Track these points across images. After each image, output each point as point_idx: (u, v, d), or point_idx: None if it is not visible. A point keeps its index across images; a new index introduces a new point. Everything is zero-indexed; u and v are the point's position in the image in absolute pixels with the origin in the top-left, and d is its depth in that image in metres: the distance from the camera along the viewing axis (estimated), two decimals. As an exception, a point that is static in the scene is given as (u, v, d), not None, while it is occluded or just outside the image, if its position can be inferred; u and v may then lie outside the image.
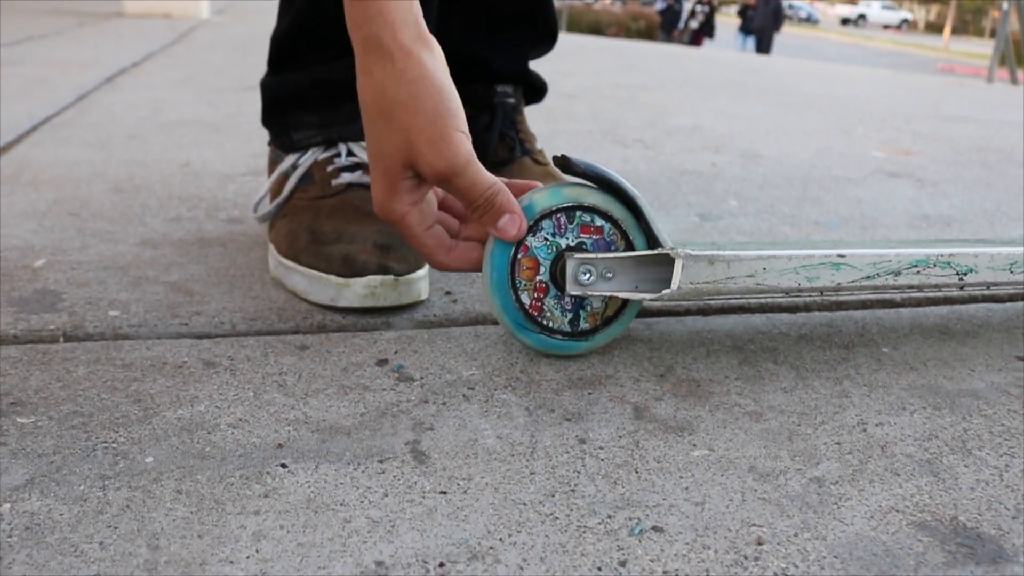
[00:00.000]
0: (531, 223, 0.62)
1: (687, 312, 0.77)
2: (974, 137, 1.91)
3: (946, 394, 0.64)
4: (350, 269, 0.70)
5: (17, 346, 0.64)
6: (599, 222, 0.64)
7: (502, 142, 0.98)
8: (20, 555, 0.42)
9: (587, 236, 0.63)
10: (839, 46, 21.05)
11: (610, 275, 0.63)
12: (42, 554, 0.42)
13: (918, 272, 0.67)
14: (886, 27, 40.17)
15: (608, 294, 0.63)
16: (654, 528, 0.46)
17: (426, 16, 0.79)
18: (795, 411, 0.60)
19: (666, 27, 10.85)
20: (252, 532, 0.44)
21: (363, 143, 0.82)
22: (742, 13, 10.88)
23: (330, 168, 0.80)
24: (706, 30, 10.31)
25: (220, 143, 1.38)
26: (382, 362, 0.64)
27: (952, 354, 0.71)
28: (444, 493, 0.48)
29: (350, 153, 0.82)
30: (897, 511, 0.49)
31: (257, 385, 0.59)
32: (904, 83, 3.26)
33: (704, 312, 0.77)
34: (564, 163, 0.63)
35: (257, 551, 0.43)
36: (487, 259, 0.62)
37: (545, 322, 0.64)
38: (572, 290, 0.62)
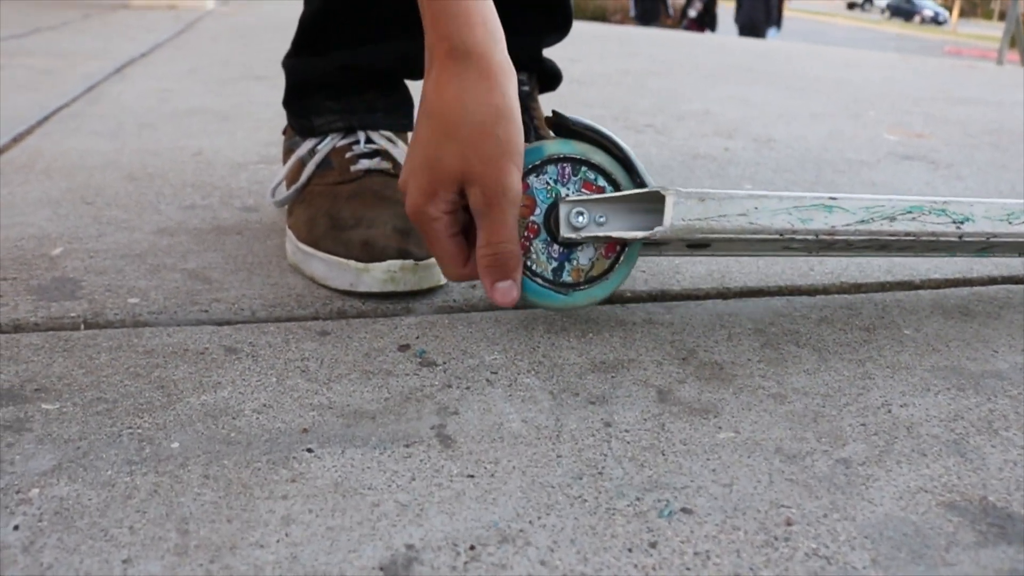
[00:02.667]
0: (537, 163, 0.63)
1: (707, 296, 0.76)
2: (986, 119, 1.90)
3: (970, 375, 0.63)
4: (369, 254, 0.70)
5: (39, 333, 0.64)
6: (602, 182, 0.64)
7: None
8: (51, 539, 0.42)
9: (588, 192, 0.64)
10: (846, 30, 20.95)
11: (603, 220, 0.63)
12: (73, 538, 0.42)
13: (913, 218, 0.66)
14: (883, 11, 39.92)
15: (602, 234, 0.63)
16: (683, 510, 0.46)
17: None
18: (819, 393, 0.60)
19: (645, 16, 9.18)
20: (281, 516, 0.44)
21: (382, 131, 0.83)
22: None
23: (349, 155, 0.80)
24: (706, 20, 8.94)
25: (231, 131, 1.38)
26: (404, 347, 0.63)
27: (975, 335, 0.70)
28: (472, 477, 0.48)
29: (369, 140, 0.82)
30: (926, 491, 0.49)
31: (280, 371, 0.59)
32: (913, 66, 3.24)
33: (724, 295, 0.77)
34: (557, 119, 0.64)
35: (287, 535, 0.43)
36: None
37: (529, 263, 0.63)
38: (566, 232, 0.62)
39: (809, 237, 0.64)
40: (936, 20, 31.94)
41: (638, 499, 0.47)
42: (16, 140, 1.27)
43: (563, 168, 0.63)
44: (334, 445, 0.51)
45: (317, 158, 0.80)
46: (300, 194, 0.81)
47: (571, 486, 0.48)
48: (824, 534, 0.45)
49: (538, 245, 0.64)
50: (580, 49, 2.96)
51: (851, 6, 40.00)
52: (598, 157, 0.64)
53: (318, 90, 0.83)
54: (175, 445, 0.50)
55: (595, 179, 0.64)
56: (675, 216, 0.61)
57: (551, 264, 0.64)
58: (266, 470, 0.48)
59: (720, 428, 0.54)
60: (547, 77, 1.04)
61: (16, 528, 0.42)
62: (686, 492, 0.48)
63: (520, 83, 0.99)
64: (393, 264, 0.69)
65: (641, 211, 0.64)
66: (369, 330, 0.66)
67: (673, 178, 1.21)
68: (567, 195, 0.63)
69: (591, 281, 0.65)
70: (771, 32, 8.37)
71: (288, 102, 0.87)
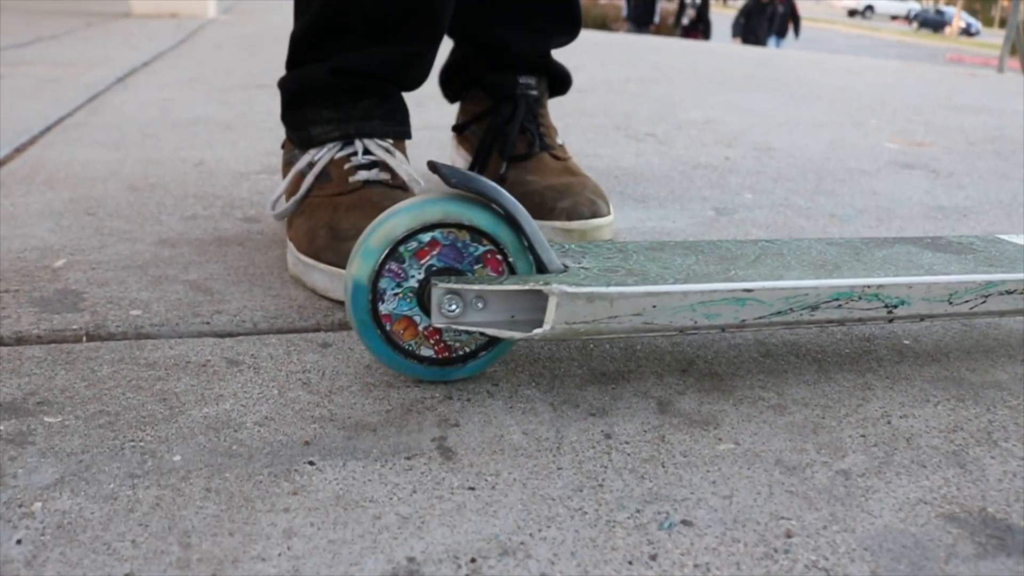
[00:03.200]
0: (370, 296, 0.56)
1: (707, 306, 0.76)
2: (987, 127, 1.90)
3: (969, 385, 0.64)
4: (340, 258, 0.71)
5: (41, 346, 0.64)
6: (427, 237, 0.57)
7: (522, 136, 0.97)
8: (54, 553, 0.42)
9: (427, 258, 0.57)
10: (847, 37, 20.97)
11: (480, 305, 0.56)
12: (75, 552, 0.42)
13: (839, 306, 0.60)
14: (894, 18, 39.98)
15: (475, 329, 0.56)
16: (683, 522, 0.46)
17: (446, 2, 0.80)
18: (819, 404, 0.60)
19: (639, 19, 8.83)
20: (283, 529, 0.44)
21: (379, 140, 0.83)
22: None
23: (347, 166, 0.81)
24: (700, 27, 8.66)
25: (233, 141, 1.38)
26: (405, 359, 0.64)
27: (974, 345, 0.71)
28: (472, 489, 0.48)
29: (367, 151, 0.82)
30: (925, 503, 0.49)
31: (281, 383, 0.59)
32: (914, 74, 3.24)
33: (724, 306, 0.77)
34: (433, 169, 0.56)
35: (288, 548, 0.43)
36: (367, 345, 0.58)
37: (463, 352, 0.59)
38: (437, 321, 0.56)
39: (713, 331, 0.59)
40: (968, 32, 31.06)
41: (638, 511, 0.47)
42: (19, 151, 1.27)
43: (390, 270, 0.57)
44: (336, 457, 0.51)
45: (316, 169, 0.81)
46: (299, 206, 0.81)
47: (571, 498, 0.48)
48: (824, 546, 0.45)
49: (449, 335, 0.58)
50: (581, 57, 2.96)
51: (852, 13, 40.05)
52: (401, 227, 0.56)
53: (313, 98, 0.83)
54: (177, 458, 0.50)
55: (419, 242, 0.57)
56: (558, 318, 0.53)
57: (475, 334, 0.58)
58: (268, 483, 0.48)
59: (720, 440, 0.54)
60: (557, 81, 1.04)
61: (19, 542, 0.43)
62: (686, 504, 0.48)
63: (529, 87, 0.99)
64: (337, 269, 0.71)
65: (524, 299, 0.57)
66: (370, 341, 0.66)
67: (674, 188, 1.21)
68: (417, 279, 0.57)
69: (458, 360, 0.59)
70: (772, 41, 8.30)
71: (285, 115, 0.88)
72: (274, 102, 1.75)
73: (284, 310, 0.71)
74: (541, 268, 0.58)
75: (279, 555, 0.42)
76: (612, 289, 0.54)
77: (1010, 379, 0.65)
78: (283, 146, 0.91)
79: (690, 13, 8.70)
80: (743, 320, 0.58)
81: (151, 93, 1.85)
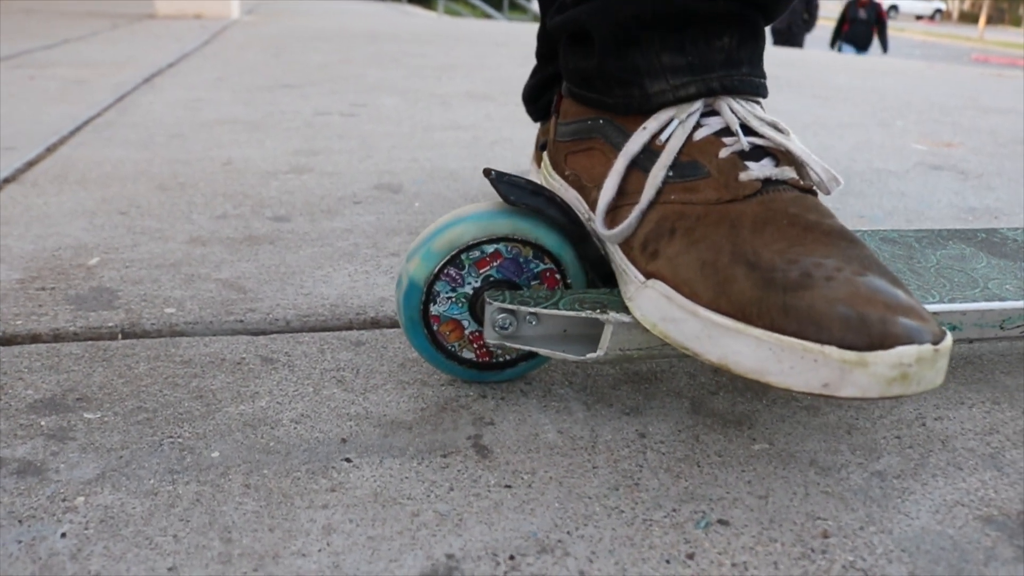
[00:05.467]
0: (423, 297, 0.56)
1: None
2: (1016, 128, 1.88)
3: (1004, 388, 0.63)
4: (860, 336, 0.42)
5: (78, 343, 0.65)
6: (490, 248, 0.56)
7: None
8: (98, 547, 0.43)
9: (487, 268, 0.57)
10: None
11: (534, 322, 0.55)
12: (119, 546, 0.43)
13: None
14: (919, 17, 39.69)
15: (527, 349, 0.54)
16: (720, 521, 0.46)
17: None
18: (852, 405, 0.59)
19: None
20: (322, 525, 0.45)
21: (748, 102, 0.56)
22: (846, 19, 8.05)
23: (726, 152, 0.53)
24: None
25: (260, 141, 1.39)
26: (437, 357, 0.64)
27: (1008, 347, 0.70)
28: (509, 487, 0.48)
29: (747, 128, 0.54)
30: (962, 505, 0.49)
31: (316, 381, 0.60)
32: (940, 74, 3.22)
33: (754, 306, 0.77)
34: (492, 181, 0.55)
35: (328, 544, 0.43)
36: (411, 342, 0.58)
37: (503, 359, 0.59)
38: (490, 337, 0.55)
39: None
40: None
41: (674, 510, 0.47)
42: (50, 150, 1.29)
43: (448, 275, 0.56)
44: (372, 455, 0.51)
45: (668, 156, 0.54)
46: (646, 218, 0.54)
47: (608, 497, 0.48)
48: (861, 547, 0.45)
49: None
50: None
51: (874, 13, 39.65)
52: (464, 238, 0.56)
53: (646, 33, 0.56)
54: (215, 454, 0.51)
55: (481, 253, 0.57)
56: (612, 345, 0.52)
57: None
58: (306, 479, 0.49)
59: (754, 440, 0.54)
60: None
61: (64, 536, 0.43)
62: (722, 504, 0.48)
63: None
64: (906, 353, 0.42)
65: (578, 318, 0.55)
66: (403, 340, 0.67)
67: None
68: (473, 288, 0.57)
69: (497, 366, 0.60)
70: (849, 50, 7.64)
71: (574, 61, 0.61)
72: (301, 102, 1.77)
73: (316, 308, 0.72)
74: (593, 282, 0.59)
75: (319, 551, 0.43)
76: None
77: (1045, 381, 0.64)
78: (555, 109, 0.67)
79: None
80: None
81: (178, 93, 1.86)
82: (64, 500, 0.46)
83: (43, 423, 0.53)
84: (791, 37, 7.26)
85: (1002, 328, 0.61)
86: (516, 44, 3.52)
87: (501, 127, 1.59)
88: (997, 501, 0.49)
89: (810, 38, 7.33)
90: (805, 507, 0.48)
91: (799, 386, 0.43)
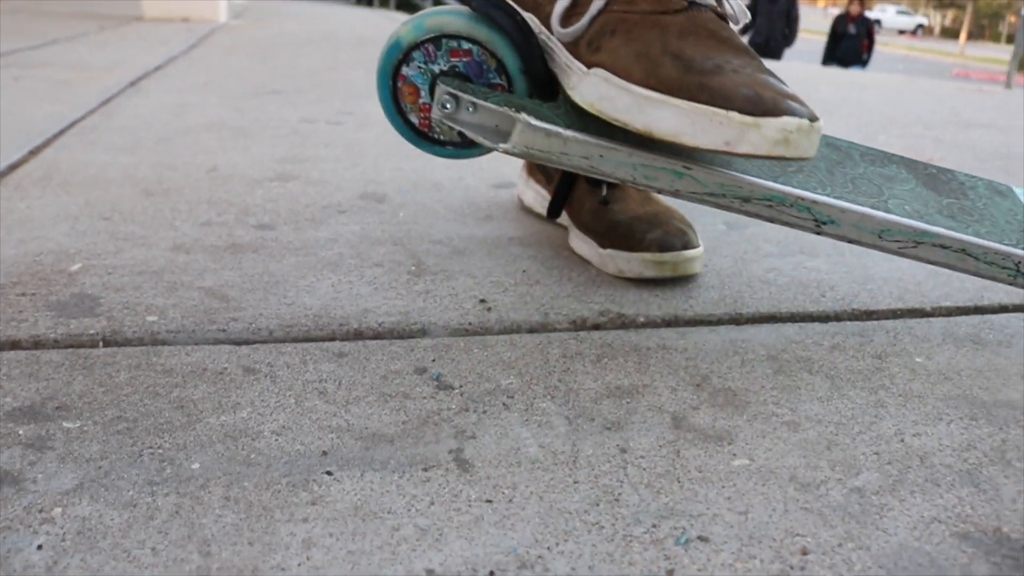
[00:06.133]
0: (401, 56, 0.70)
1: (720, 321, 0.77)
2: (996, 143, 1.90)
3: (982, 404, 0.64)
4: (756, 107, 0.57)
5: (58, 350, 0.64)
6: (466, 46, 0.71)
7: None
8: (75, 559, 0.42)
9: (457, 60, 0.71)
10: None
11: (471, 109, 0.67)
12: (96, 559, 0.42)
13: (770, 207, 0.66)
14: (901, 32, 40.02)
15: (458, 128, 0.68)
16: (699, 537, 0.46)
17: None
18: (832, 421, 0.60)
19: None
20: (302, 539, 0.45)
21: None
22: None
23: None
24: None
25: (246, 147, 1.39)
26: (420, 370, 0.64)
27: (986, 364, 0.71)
28: (490, 502, 0.48)
29: None
30: (940, 522, 0.49)
31: (298, 392, 0.60)
32: (922, 89, 3.25)
33: (737, 321, 0.77)
34: None
35: (308, 558, 0.43)
36: (377, 91, 0.72)
37: (436, 136, 0.74)
38: (435, 113, 0.69)
39: (644, 187, 0.67)
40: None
41: (654, 526, 0.47)
42: (33, 153, 1.28)
43: (426, 49, 0.70)
44: (353, 468, 0.51)
45: None
46: (596, 21, 0.68)
47: (588, 512, 0.48)
48: (840, 563, 0.45)
49: (437, 119, 0.73)
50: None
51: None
52: (453, 26, 0.70)
53: None
54: (196, 466, 0.51)
55: (459, 45, 0.70)
56: (519, 141, 0.64)
57: (454, 130, 0.73)
58: (286, 492, 0.48)
59: (735, 455, 0.55)
60: None
61: (40, 548, 0.43)
62: (702, 520, 0.48)
63: None
64: (789, 122, 0.57)
65: (503, 117, 0.67)
66: (386, 352, 0.67)
67: (683, 203, 1.21)
68: (440, 70, 0.71)
69: (431, 140, 0.75)
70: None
71: None
72: (288, 109, 1.76)
73: (299, 318, 0.71)
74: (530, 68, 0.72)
75: (299, 565, 0.43)
76: (568, 132, 0.64)
77: (1022, 398, 0.65)
78: None
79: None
80: (677, 190, 0.65)
81: (164, 97, 1.86)
82: (41, 511, 0.46)
83: (21, 432, 0.53)
84: (770, 52, 7.15)
85: (880, 237, 0.68)
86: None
87: (487, 136, 1.59)
88: (974, 517, 0.50)
89: (790, 52, 7.28)
90: (784, 523, 0.48)
91: (706, 144, 0.58)
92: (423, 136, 0.74)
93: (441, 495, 0.49)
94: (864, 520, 0.49)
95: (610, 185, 0.93)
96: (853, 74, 3.87)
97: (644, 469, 0.52)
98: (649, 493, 0.50)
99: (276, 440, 0.54)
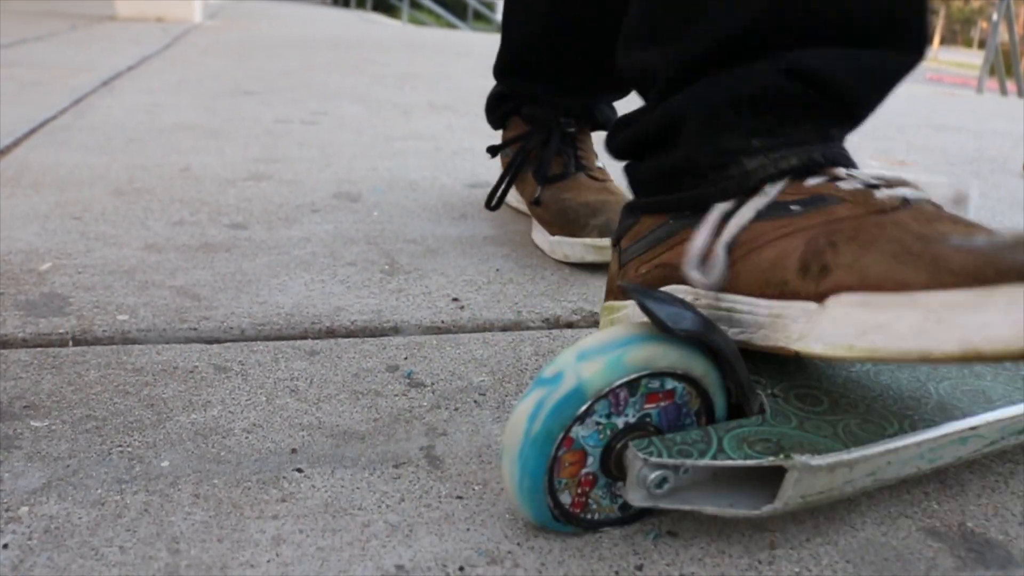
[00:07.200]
0: (581, 412, 0.44)
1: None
2: (967, 147, 1.92)
3: (949, 402, 0.64)
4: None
5: (27, 350, 0.64)
6: (671, 384, 0.47)
7: (558, 157, 0.98)
8: (41, 558, 0.42)
9: (653, 406, 0.46)
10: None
11: (686, 473, 0.45)
12: (63, 557, 0.42)
13: None
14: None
15: (686, 508, 0.45)
16: (669, 533, 0.47)
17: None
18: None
19: None
20: (271, 536, 0.44)
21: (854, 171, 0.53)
22: None
23: (847, 186, 0.50)
24: None
25: (219, 148, 1.38)
26: (392, 368, 0.64)
27: (954, 362, 0.71)
28: (460, 498, 0.48)
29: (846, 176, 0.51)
30: (906, 517, 0.50)
31: (269, 390, 0.60)
32: (894, 92, 3.28)
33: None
34: (641, 306, 0.45)
35: (277, 555, 0.43)
36: (514, 457, 0.44)
37: (589, 516, 0.47)
38: (636, 499, 0.44)
39: (926, 471, 0.51)
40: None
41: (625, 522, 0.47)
42: (3, 152, 1.27)
43: (616, 396, 0.45)
44: (324, 465, 0.51)
45: (762, 198, 0.51)
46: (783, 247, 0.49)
47: (558, 508, 0.48)
48: (807, 558, 0.45)
49: (597, 493, 0.47)
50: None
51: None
52: (667, 359, 0.46)
53: (740, 114, 0.53)
54: (165, 464, 0.50)
55: (661, 386, 0.46)
56: (795, 495, 0.45)
57: (616, 503, 0.47)
58: (256, 490, 0.48)
59: (705, 452, 0.55)
60: (599, 125, 1.02)
61: (6, 547, 0.43)
62: (672, 515, 0.48)
63: (568, 124, 0.99)
64: None
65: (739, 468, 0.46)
66: (358, 350, 0.67)
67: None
68: (626, 423, 0.46)
69: (581, 522, 0.47)
70: None
71: (664, 156, 0.58)
72: (261, 109, 1.75)
73: (271, 317, 0.71)
74: (736, 411, 0.49)
75: (268, 562, 0.43)
76: (854, 454, 0.46)
77: (989, 396, 0.66)
78: (615, 243, 0.62)
79: None
80: (959, 457, 0.51)
81: (137, 98, 1.84)
82: (7, 510, 0.45)
83: (-12, 431, 0.53)
84: None
85: None
86: (478, 55, 3.53)
87: (462, 138, 1.59)
88: (940, 513, 0.50)
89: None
90: (753, 519, 0.48)
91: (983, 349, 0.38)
92: (570, 519, 0.46)
93: (412, 492, 0.49)
94: (832, 515, 0.49)
95: (550, 179, 0.95)
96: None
97: (615, 465, 0.53)
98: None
99: (247, 438, 0.53)
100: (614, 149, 0.62)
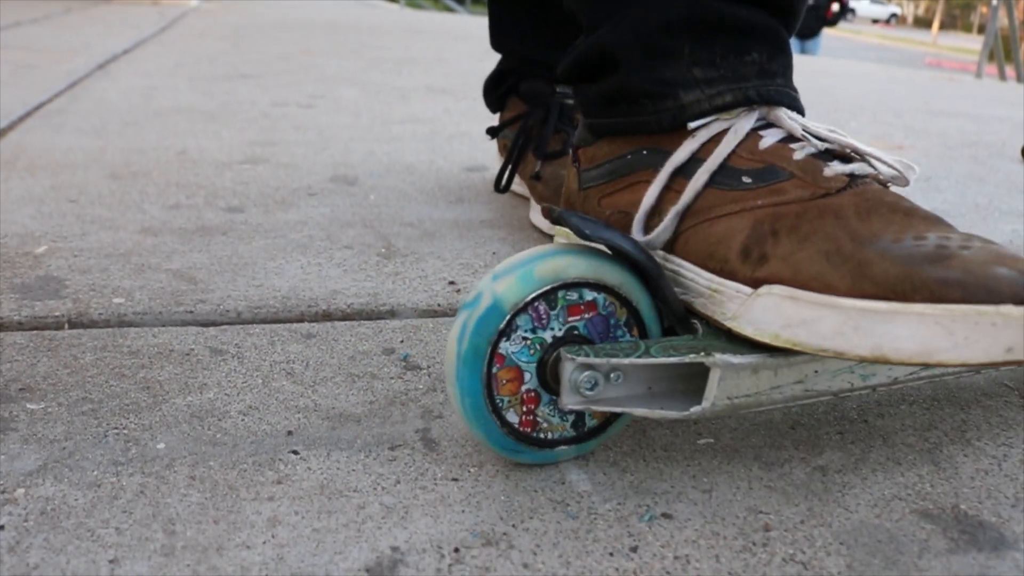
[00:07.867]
0: (503, 326, 0.46)
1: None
2: (965, 132, 1.92)
3: (944, 386, 0.65)
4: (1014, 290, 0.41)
5: (23, 332, 0.64)
6: (590, 296, 0.48)
7: (557, 135, 0.98)
8: (37, 539, 0.42)
9: (577, 318, 0.48)
10: (826, 39, 21.08)
11: (620, 379, 0.48)
12: (59, 538, 0.42)
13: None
14: (875, 21, 40.28)
15: (618, 410, 0.48)
16: (664, 515, 0.47)
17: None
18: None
19: None
20: (267, 518, 0.45)
21: (791, 113, 0.55)
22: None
23: (800, 154, 0.52)
24: None
25: (216, 131, 1.38)
26: (388, 351, 0.64)
27: (949, 346, 0.72)
28: (456, 480, 0.49)
29: (810, 134, 0.54)
30: (900, 499, 0.50)
31: (265, 373, 0.60)
32: (893, 77, 3.27)
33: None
34: (558, 220, 0.49)
35: (273, 536, 0.43)
36: (452, 380, 0.47)
37: (542, 435, 0.49)
38: (571, 402, 0.47)
39: (864, 391, 0.52)
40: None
41: (620, 504, 0.47)
42: (-2, 136, 1.26)
43: (536, 309, 0.47)
44: (319, 447, 0.51)
45: (714, 159, 0.52)
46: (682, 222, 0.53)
47: (553, 490, 0.48)
48: (801, 540, 0.46)
49: (544, 411, 0.49)
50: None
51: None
52: (575, 269, 0.48)
53: (678, 40, 0.54)
54: (161, 446, 0.50)
55: (579, 297, 0.48)
56: (721, 395, 0.46)
57: (567, 421, 0.49)
58: (252, 472, 0.48)
59: (700, 435, 0.55)
60: None
61: (2, 528, 0.43)
62: (667, 497, 0.48)
63: (565, 96, 0.99)
64: None
65: (665, 370, 0.49)
66: (354, 333, 0.67)
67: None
68: (554, 336, 0.48)
69: (535, 442, 0.49)
70: (794, 45, 7.00)
71: (594, 91, 0.59)
72: (258, 92, 1.75)
73: (267, 300, 0.71)
74: (669, 330, 0.52)
75: (264, 543, 0.43)
76: (778, 357, 0.47)
77: (984, 380, 0.66)
78: (574, 160, 0.63)
79: None
80: (895, 377, 0.52)
81: (133, 81, 1.84)
82: (3, 492, 0.45)
83: (-16, 413, 0.53)
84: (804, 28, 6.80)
85: None
86: (476, 39, 3.52)
87: (460, 121, 1.59)
88: (933, 495, 0.50)
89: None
90: (748, 501, 0.49)
91: (977, 358, 0.41)
92: (524, 439, 0.48)
93: (407, 474, 0.49)
94: (826, 498, 0.49)
95: (549, 155, 0.95)
96: (823, 61, 3.89)
97: (610, 448, 0.53)
98: (615, 471, 0.50)
99: (243, 420, 0.54)
100: (560, 74, 0.63)
